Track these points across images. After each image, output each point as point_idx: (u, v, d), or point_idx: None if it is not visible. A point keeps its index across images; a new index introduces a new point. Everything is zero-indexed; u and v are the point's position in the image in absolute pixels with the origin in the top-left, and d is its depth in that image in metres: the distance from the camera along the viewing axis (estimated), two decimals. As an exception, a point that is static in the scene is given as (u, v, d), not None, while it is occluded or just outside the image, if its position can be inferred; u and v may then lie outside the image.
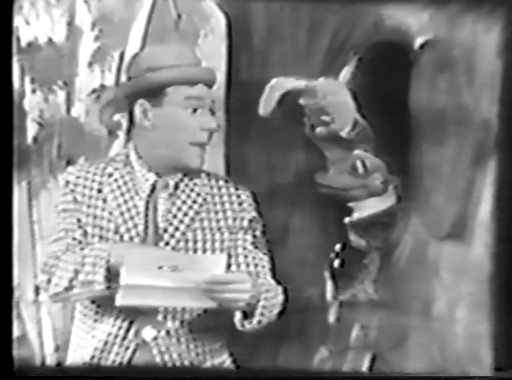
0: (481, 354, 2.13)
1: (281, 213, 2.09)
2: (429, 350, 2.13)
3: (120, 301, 1.89)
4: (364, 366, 2.13)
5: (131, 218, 1.99)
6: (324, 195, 2.09)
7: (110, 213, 1.99)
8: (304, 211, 2.11)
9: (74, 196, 2.01)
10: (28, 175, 2.12)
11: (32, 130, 2.12)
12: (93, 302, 2.00)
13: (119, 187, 2.01)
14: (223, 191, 2.02)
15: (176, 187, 2.01)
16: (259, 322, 1.92)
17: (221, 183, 2.03)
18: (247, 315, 1.92)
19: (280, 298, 2.00)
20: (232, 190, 2.02)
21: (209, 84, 2.02)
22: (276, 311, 1.98)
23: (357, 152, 2.09)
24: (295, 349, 2.12)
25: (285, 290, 2.02)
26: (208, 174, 2.04)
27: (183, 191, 2.00)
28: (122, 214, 1.98)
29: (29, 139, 2.11)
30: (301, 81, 2.09)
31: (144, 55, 2.04)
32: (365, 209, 2.10)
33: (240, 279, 1.88)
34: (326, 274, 2.12)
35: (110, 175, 2.03)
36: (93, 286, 1.93)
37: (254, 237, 2.01)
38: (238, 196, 2.02)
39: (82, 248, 1.97)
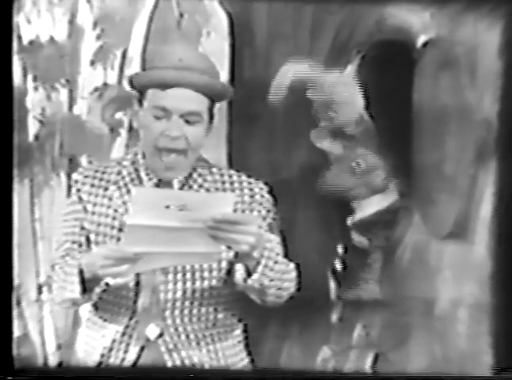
0: (482, 353, 2.13)
1: (283, 210, 2.10)
2: (430, 349, 2.13)
3: (123, 244, 1.82)
4: (367, 366, 2.13)
5: None
6: (326, 195, 2.10)
7: (115, 210, 1.99)
8: (306, 208, 2.11)
9: (79, 196, 2.01)
10: (30, 173, 2.11)
11: (34, 127, 2.11)
12: (106, 303, 2.00)
13: (125, 184, 2.00)
14: (236, 185, 2.01)
15: (183, 184, 2.00)
16: (261, 282, 1.88)
17: (234, 177, 2.02)
18: (250, 273, 1.89)
19: (294, 273, 1.98)
20: (245, 184, 2.02)
21: (213, 96, 1.96)
22: (286, 284, 1.95)
23: (358, 150, 2.09)
24: (297, 348, 2.12)
25: (298, 266, 2.00)
26: (220, 169, 2.03)
27: (191, 187, 2.00)
28: (127, 211, 1.97)
29: (31, 137, 2.11)
30: (313, 66, 2.08)
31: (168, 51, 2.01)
32: (368, 207, 2.10)
33: (247, 220, 1.86)
34: (329, 275, 2.12)
35: (118, 173, 2.02)
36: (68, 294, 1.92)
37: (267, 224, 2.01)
38: (251, 189, 2.02)
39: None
